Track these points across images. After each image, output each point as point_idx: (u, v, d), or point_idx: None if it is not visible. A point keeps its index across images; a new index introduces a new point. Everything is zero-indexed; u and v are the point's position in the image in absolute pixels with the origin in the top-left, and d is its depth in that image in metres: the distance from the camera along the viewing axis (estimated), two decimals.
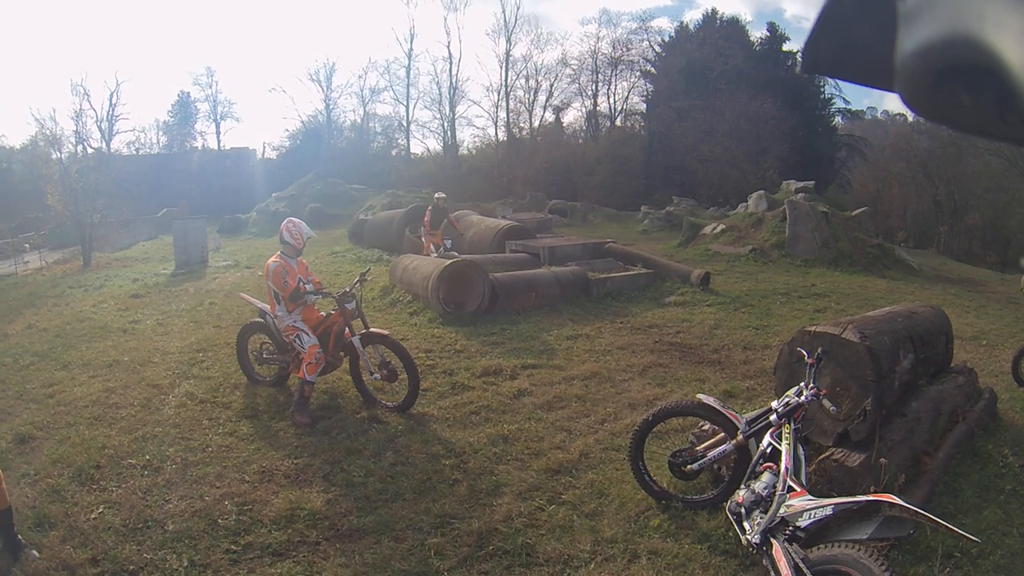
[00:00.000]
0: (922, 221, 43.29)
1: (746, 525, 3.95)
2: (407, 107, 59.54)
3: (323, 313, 7.18)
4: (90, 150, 47.22)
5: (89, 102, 60.09)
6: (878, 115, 63.58)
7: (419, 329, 10.09)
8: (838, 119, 54.28)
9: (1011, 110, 0.55)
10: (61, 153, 30.34)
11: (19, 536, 4.38)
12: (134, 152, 57.58)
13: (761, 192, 23.20)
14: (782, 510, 3.73)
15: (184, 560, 4.35)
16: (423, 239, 16.11)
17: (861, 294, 13.75)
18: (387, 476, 5.51)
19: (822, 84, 51.86)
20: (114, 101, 55.20)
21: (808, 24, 0.76)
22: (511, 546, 4.54)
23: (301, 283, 6.92)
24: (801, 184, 24.15)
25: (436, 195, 16.64)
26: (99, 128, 54.01)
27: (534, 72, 57.75)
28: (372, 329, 7.02)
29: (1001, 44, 0.51)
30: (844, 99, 54.38)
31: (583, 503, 5.10)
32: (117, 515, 4.85)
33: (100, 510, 4.93)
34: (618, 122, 57.41)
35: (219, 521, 4.81)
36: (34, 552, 4.32)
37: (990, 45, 0.52)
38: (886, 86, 0.67)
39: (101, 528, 4.68)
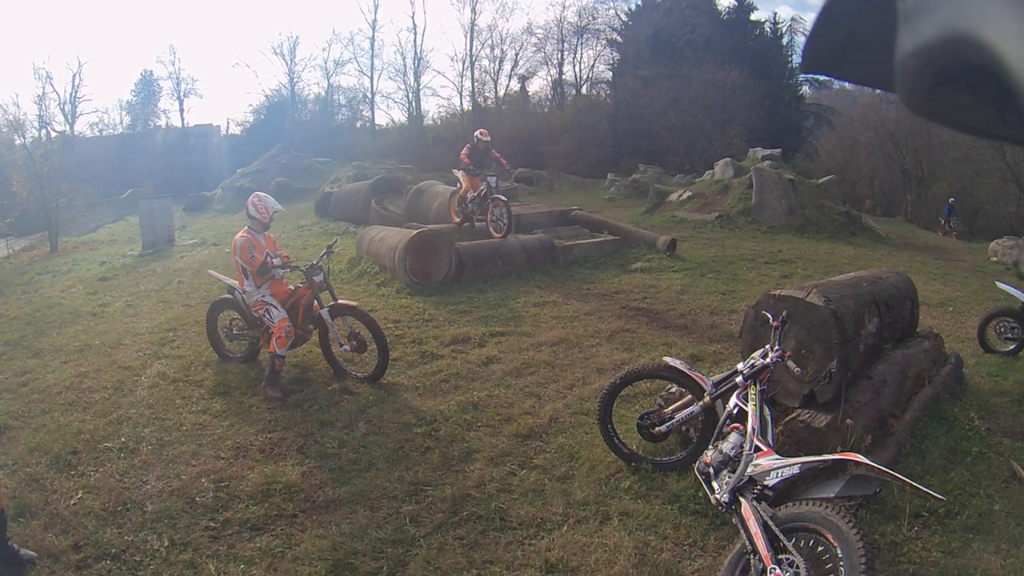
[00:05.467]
0: (889, 190, 43.63)
1: (715, 485, 4.05)
2: (371, 78, 58.92)
3: (291, 287, 7.19)
4: (54, 133, 46.60)
5: (52, 85, 59.66)
6: (846, 85, 63.66)
7: (387, 300, 10.11)
8: (806, 88, 54.27)
9: (1011, 110, 0.55)
10: (25, 138, 29.88)
11: (11, 543, 4.26)
12: (97, 133, 56.60)
13: (727, 159, 23.20)
14: (750, 469, 3.85)
15: (165, 540, 4.40)
16: (459, 177, 13.42)
17: (827, 260, 13.89)
18: (360, 446, 5.57)
19: (790, 53, 51.92)
20: (77, 83, 54.37)
21: None
22: (484, 511, 4.64)
23: (268, 257, 6.92)
24: (768, 152, 24.23)
25: (476, 132, 13.48)
26: (62, 111, 53.23)
27: (499, 41, 57.33)
28: (340, 301, 7.04)
29: (1001, 44, 0.51)
30: None
31: (554, 467, 5.21)
32: (96, 499, 4.88)
33: (79, 495, 4.95)
34: (584, 91, 57.14)
35: (197, 499, 4.87)
36: (31, 553, 4.25)
37: (990, 45, 0.51)
38: (887, 86, 0.67)
39: (81, 513, 4.71)
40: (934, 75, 0.57)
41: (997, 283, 8.71)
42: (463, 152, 13.09)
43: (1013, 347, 7.96)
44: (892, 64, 0.61)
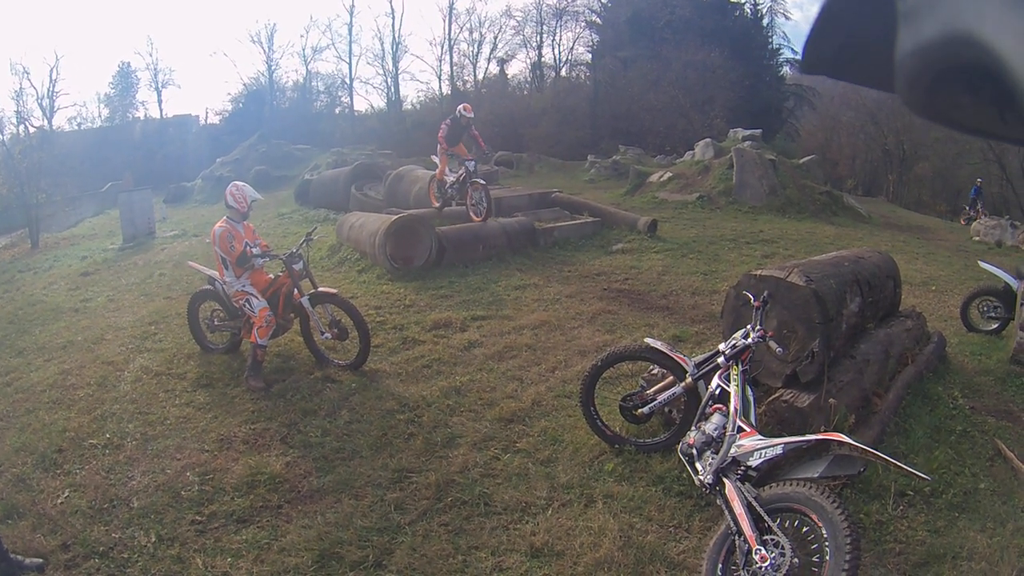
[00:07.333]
0: (871, 170, 43.74)
1: (698, 466, 4.05)
2: (350, 64, 58.29)
3: (271, 276, 7.15)
4: (32, 129, 45.89)
5: (29, 80, 58.88)
6: None
7: (368, 286, 10.07)
8: (786, 69, 54.20)
9: (1011, 110, 0.55)
10: (3, 135, 29.50)
11: (15, 555, 4.17)
12: (76, 127, 55.54)
13: (708, 140, 23.18)
14: (733, 450, 3.85)
15: (152, 536, 4.38)
16: (436, 161, 13.25)
17: (809, 240, 13.96)
18: (343, 434, 5.57)
19: (770, 34, 51.88)
20: (54, 77, 53.66)
21: None
22: (469, 496, 4.65)
23: (248, 247, 6.87)
24: (748, 132, 24.15)
25: (460, 107, 12.95)
26: (40, 106, 52.30)
27: (478, 24, 57.16)
28: (321, 289, 7.00)
29: (1001, 44, 0.51)
30: (792, 49, 54.20)
31: (537, 451, 5.21)
32: (83, 497, 4.86)
33: (66, 494, 4.92)
34: (563, 73, 56.75)
35: (182, 493, 4.85)
36: (37, 560, 4.18)
37: (990, 45, 0.52)
38: (887, 87, 0.67)
39: (68, 512, 4.68)
40: (934, 75, 0.58)
41: (980, 262, 8.75)
42: (441, 132, 12.86)
43: (996, 326, 8.03)
44: (892, 64, 0.62)
